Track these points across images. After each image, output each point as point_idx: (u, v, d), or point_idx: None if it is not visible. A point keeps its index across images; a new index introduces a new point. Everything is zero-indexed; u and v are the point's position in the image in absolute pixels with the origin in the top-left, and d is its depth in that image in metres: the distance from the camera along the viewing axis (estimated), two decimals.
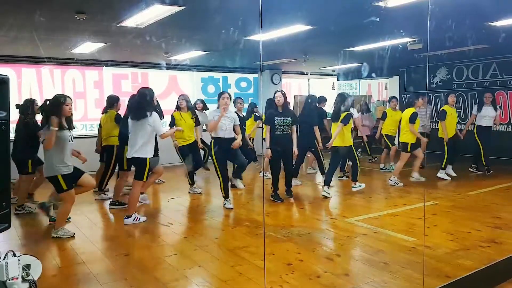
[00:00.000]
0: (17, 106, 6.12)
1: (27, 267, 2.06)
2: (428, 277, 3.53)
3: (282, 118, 6.18)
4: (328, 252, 4.29)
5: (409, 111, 7.38)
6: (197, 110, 7.61)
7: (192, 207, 6.51)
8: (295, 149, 6.26)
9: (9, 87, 1.86)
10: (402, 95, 11.87)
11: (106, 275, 3.81)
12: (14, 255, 1.99)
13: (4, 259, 1.91)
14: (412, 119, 7.25)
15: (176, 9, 4.93)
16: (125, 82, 10.22)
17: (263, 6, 3.88)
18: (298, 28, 6.15)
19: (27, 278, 2.03)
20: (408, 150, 7.37)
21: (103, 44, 7.33)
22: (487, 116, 8.07)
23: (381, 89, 13.27)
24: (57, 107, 4.64)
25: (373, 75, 12.36)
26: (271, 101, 6.49)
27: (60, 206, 4.98)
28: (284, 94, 6.32)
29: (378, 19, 5.54)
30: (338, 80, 14.20)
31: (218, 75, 11.79)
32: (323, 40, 7.38)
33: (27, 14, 5.21)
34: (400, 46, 7.74)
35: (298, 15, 5.57)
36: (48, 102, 4.74)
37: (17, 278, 1.94)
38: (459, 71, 10.52)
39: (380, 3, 4.85)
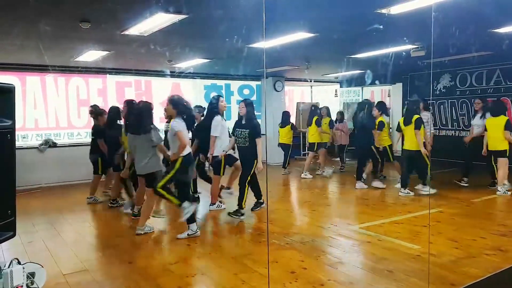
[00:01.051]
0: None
1: (31, 275, 2.06)
2: (433, 285, 3.51)
3: (240, 129, 5.97)
4: (332, 260, 4.27)
5: (503, 119, 7.09)
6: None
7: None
8: (259, 165, 5.82)
9: (15, 96, 1.87)
10: (405, 101, 11.86)
11: (110, 282, 3.81)
12: (19, 263, 1.99)
13: (9, 267, 1.92)
14: (509, 126, 7.01)
15: (180, 17, 4.95)
16: (128, 90, 10.26)
17: (266, 14, 3.90)
18: (301, 35, 6.17)
19: (31, 286, 2.03)
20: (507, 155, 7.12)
21: (107, 52, 7.37)
22: (475, 125, 7.67)
23: (384, 96, 13.24)
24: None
25: (377, 82, 12.36)
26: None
27: (146, 202, 5.45)
28: (247, 104, 6.00)
29: (381, 26, 5.55)
30: (341, 87, 14.21)
31: (221, 82, 11.84)
32: (326, 47, 7.39)
33: (32, 23, 5.26)
34: (404, 53, 7.75)
35: (300, 23, 5.59)
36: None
37: (22, 286, 1.94)
38: (463, 78, 10.51)
39: (383, 11, 4.86)
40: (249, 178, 5.93)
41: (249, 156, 5.87)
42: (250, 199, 6.10)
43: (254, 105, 6.23)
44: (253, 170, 5.90)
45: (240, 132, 5.96)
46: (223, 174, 6.29)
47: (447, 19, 5.05)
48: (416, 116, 7.07)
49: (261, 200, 6.30)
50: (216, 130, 6.04)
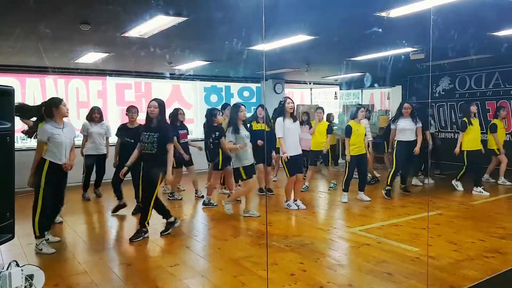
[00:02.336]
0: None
1: (30, 277, 2.06)
2: None
3: (148, 133, 5.04)
4: (331, 262, 4.27)
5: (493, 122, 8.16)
6: (94, 120, 7.17)
7: (194, 216, 6.51)
8: (169, 176, 5.02)
9: (14, 99, 1.88)
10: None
11: (109, 284, 3.80)
12: (18, 265, 1.99)
13: (7, 269, 1.92)
14: (492, 129, 8.07)
15: (180, 19, 4.97)
16: (128, 92, 10.28)
17: (266, 16, 3.91)
18: (301, 38, 6.18)
19: None
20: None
21: (107, 54, 7.39)
22: (406, 130, 7.27)
23: (384, 98, 13.28)
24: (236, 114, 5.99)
25: (376, 85, 12.39)
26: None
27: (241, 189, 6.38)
28: (160, 104, 5.10)
29: (380, 29, 5.56)
30: (340, 89, 14.24)
31: (221, 84, 11.85)
32: (326, 50, 7.41)
33: (32, 25, 5.27)
34: (403, 56, 7.76)
35: (300, 26, 5.60)
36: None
37: None
38: (462, 80, 10.53)
39: (383, 13, 4.87)
40: (156, 193, 5.11)
41: (156, 167, 5.01)
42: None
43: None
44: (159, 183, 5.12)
45: (147, 136, 5.03)
46: (300, 172, 6.57)
47: (446, 22, 5.07)
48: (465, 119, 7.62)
49: (172, 219, 5.36)
50: (278, 131, 6.26)
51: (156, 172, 5.01)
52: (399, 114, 7.48)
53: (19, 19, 5.01)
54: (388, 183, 7.25)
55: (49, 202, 4.68)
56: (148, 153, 5.05)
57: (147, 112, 5.10)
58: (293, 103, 6.48)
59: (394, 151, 7.42)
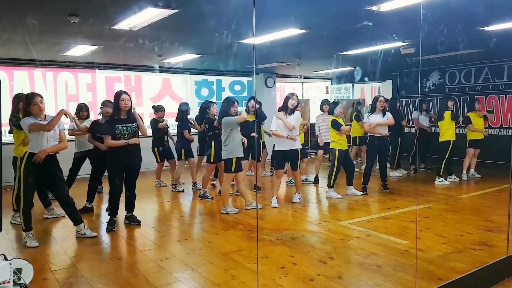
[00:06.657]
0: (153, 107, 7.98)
1: (18, 271, 2.05)
2: (420, 280, 3.55)
3: (126, 125, 5.24)
4: (321, 255, 4.30)
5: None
6: (82, 118, 6.82)
7: (185, 210, 6.50)
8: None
9: (0, 90, 1.85)
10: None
11: (99, 279, 3.79)
12: (6, 258, 1.98)
13: None
14: (465, 122, 8.54)
15: (170, 12, 4.93)
16: (118, 85, 10.18)
17: (257, 9, 3.89)
18: (292, 32, 6.17)
19: (18, 282, 2.01)
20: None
21: (96, 46, 7.31)
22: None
23: (375, 93, 13.32)
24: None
25: (366, 79, 12.43)
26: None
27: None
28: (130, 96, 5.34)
29: (371, 24, 5.57)
30: (331, 84, 14.27)
31: (212, 78, 11.80)
32: (317, 44, 7.40)
33: (19, 17, 5.18)
34: (393, 51, 7.78)
35: (291, 19, 5.58)
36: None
37: (9, 282, 1.92)
38: (452, 75, 10.60)
39: (373, 8, 4.88)
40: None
41: (139, 154, 5.46)
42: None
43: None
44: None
45: (126, 128, 5.25)
46: (282, 168, 6.56)
47: (436, 17, 5.09)
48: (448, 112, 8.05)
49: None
50: (274, 125, 6.43)
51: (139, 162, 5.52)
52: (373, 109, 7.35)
53: (5, 11, 4.93)
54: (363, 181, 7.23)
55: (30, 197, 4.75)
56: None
57: (120, 105, 5.19)
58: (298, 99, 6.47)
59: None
